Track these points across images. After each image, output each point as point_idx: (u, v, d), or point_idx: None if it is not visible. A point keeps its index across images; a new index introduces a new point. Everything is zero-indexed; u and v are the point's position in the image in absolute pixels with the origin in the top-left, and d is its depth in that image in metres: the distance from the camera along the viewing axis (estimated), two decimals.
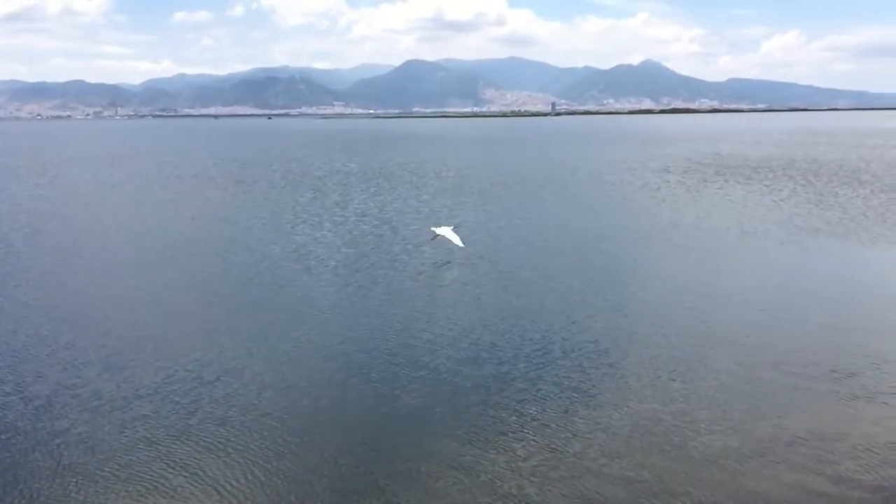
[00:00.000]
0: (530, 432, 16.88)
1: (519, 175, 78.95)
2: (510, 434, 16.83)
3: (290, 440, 16.68)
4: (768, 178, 70.12)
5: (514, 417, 17.68)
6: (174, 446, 16.43)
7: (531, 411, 17.99)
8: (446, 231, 36.14)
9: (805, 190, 59.94)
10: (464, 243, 35.04)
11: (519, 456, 15.83)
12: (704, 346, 22.67)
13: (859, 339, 23.10)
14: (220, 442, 16.60)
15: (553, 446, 16.21)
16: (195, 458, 15.92)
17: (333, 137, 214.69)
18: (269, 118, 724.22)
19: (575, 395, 18.98)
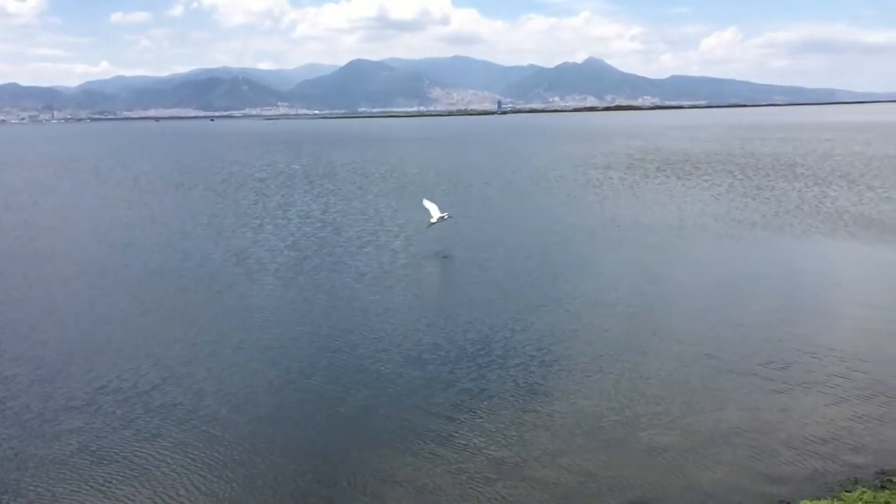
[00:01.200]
0: (472, 432, 16.70)
1: (464, 173, 78.97)
2: (453, 434, 16.62)
3: (230, 449, 16.18)
4: (707, 172, 71.46)
5: (456, 418, 17.48)
6: (107, 460, 15.78)
7: (473, 411, 17.82)
8: (434, 210, 38.28)
9: (743, 184, 61.19)
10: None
11: (462, 456, 15.64)
12: (645, 340, 22.82)
13: (794, 329, 23.54)
14: (155, 454, 16.01)
15: (496, 445, 16.06)
16: (130, 471, 15.30)
17: (277, 138, 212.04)
18: (212, 120, 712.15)
19: (517, 393, 18.88)
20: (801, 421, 16.95)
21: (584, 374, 20.16)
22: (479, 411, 17.87)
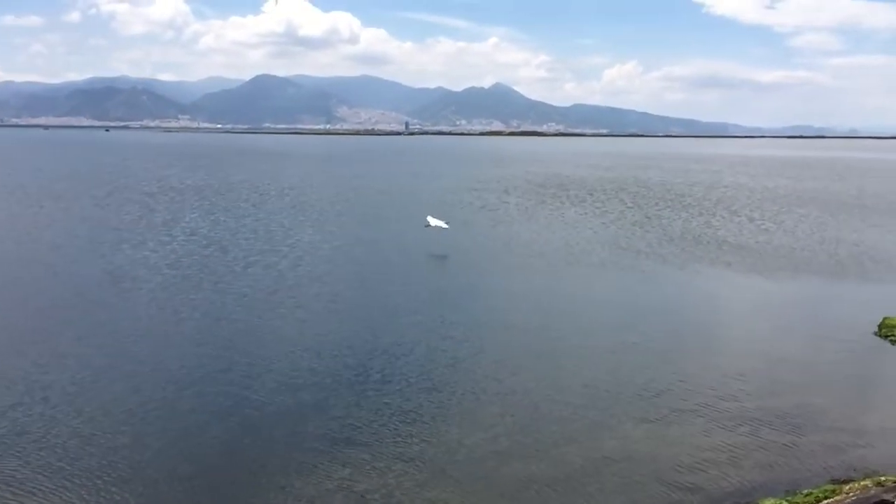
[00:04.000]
0: (338, 463, 16.01)
1: (362, 194, 78.19)
2: (317, 466, 15.93)
3: (72, 481, 14.85)
4: (600, 200, 73.21)
5: (325, 448, 16.76)
6: None
7: (343, 441, 17.15)
8: (438, 222, 42.73)
9: (633, 212, 62.88)
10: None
11: (323, 491, 14.94)
12: (522, 368, 22.66)
13: (667, 358, 23.91)
14: (12, 479, 14.52)
15: (363, 477, 15.45)
16: None
17: (175, 152, 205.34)
18: (108, 130, 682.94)
19: (392, 422, 18.30)
20: (670, 452, 17.04)
21: (460, 401, 19.80)
22: (348, 441, 17.19)
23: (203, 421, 18.32)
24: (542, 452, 16.91)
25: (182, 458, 16.43)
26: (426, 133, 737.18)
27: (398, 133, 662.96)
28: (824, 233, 51.01)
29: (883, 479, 13.93)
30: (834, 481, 14.53)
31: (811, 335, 27.22)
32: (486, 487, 15.33)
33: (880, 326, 26.15)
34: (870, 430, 17.95)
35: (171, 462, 16.17)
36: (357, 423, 18.20)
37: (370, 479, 15.44)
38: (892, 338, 25.37)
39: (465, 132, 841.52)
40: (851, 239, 48.40)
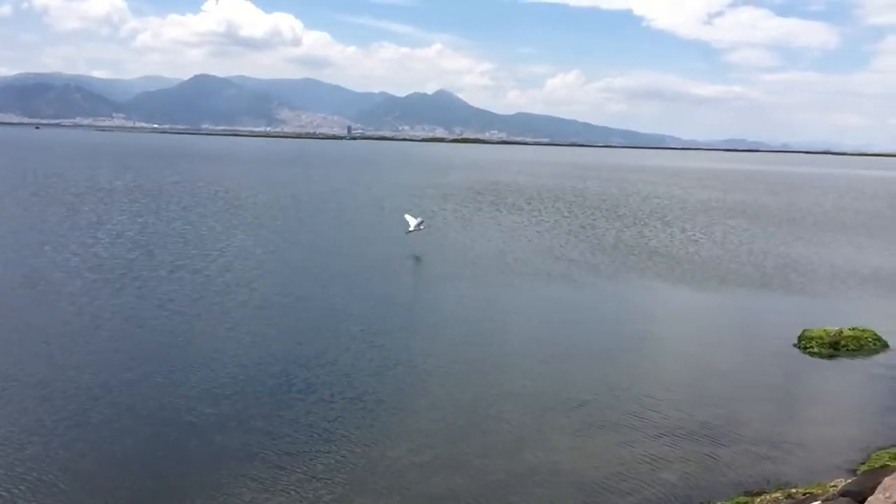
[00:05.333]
0: (254, 481, 15.47)
1: (299, 198, 77.24)
2: (225, 485, 15.31)
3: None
4: (537, 208, 73.80)
5: (241, 465, 16.20)
6: None
7: (260, 455, 16.62)
8: (412, 220, 43.31)
9: (568, 221, 63.55)
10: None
11: (243, 502, 14.40)
12: (447, 380, 22.45)
13: (594, 369, 24.03)
14: None
15: (278, 495, 14.92)
16: None
17: (108, 151, 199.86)
18: (38, 128, 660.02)
19: (312, 434, 17.89)
20: (592, 461, 17.02)
21: (384, 412, 19.47)
22: (266, 453, 16.70)
23: (115, 432, 17.58)
24: (465, 464, 16.70)
25: (90, 471, 15.70)
26: (368, 138, 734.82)
27: (340, 137, 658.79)
28: (752, 245, 52.33)
29: (794, 490, 14.12)
30: (747, 493, 14.68)
31: (735, 346, 27.76)
32: (404, 501, 15.03)
33: (800, 338, 26.79)
34: (786, 442, 18.27)
35: (78, 476, 15.42)
36: (276, 435, 17.71)
37: (286, 494, 15.00)
38: (811, 349, 26.01)
39: (408, 138, 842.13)
40: (778, 251, 49.75)
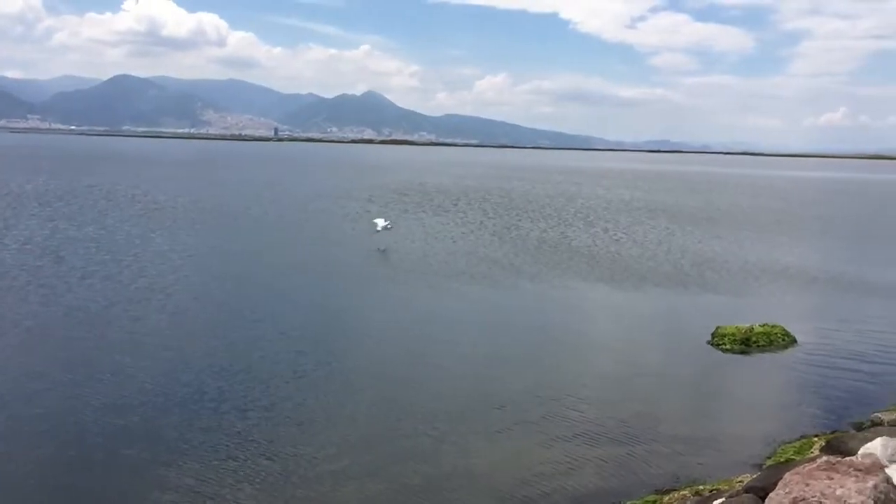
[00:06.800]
0: (160, 491, 14.84)
1: (221, 201, 75.52)
2: (139, 493, 14.71)
3: None
4: (463, 210, 74.01)
5: (147, 473, 15.56)
6: None
7: (169, 466, 15.96)
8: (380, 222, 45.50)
9: (493, 222, 63.87)
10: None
11: None
12: (365, 384, 22.16)
13: (513, 370, 24.03)
14: None
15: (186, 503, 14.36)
16: None
17: (20, 154, 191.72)
18: None
19: (226, 444, 17.31)
20: (509, 463, 16.95)
21: (301, 419, 19.05)
22: (174, 465, 16.07)
23: (12, 447, 16.67)
24: (382, 470, 16.43)
25: (26, 487, 14.86)
26: (296, 140, 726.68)
27: (267, 139, 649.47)
28: (671, 243, 53.57)
29: (701, 487, 14.34)
30: (658, 491, 14.83)
31: (652, 344, 28.29)
32: None
33: (713, 335, 27.45)
34: (699, 439, 18.61)
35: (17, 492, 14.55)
36: (187, 446, 17.08)
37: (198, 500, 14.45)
38: (724, 346, 26.67)
39: (336, 140, 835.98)
40: (695, 249, 51.07)
